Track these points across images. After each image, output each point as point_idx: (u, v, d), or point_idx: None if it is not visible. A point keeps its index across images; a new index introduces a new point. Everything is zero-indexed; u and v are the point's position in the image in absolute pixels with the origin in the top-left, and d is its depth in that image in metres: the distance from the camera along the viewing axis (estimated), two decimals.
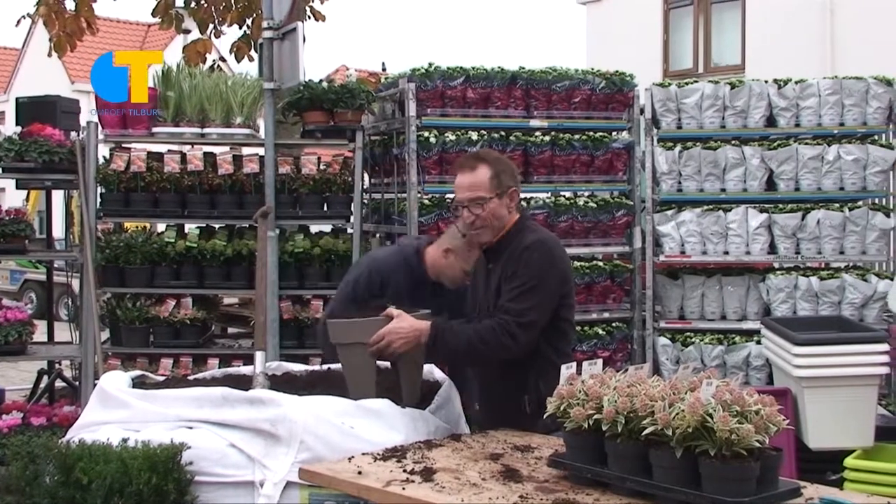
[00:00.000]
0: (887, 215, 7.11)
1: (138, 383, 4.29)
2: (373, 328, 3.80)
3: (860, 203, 7.22)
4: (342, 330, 3.93)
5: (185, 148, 7.20)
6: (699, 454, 2.73)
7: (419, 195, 6.95)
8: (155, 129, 7.00)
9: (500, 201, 3.96)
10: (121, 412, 3.80)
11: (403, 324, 3.79)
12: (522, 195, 7.28)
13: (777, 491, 2.79)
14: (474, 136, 7.06)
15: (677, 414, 2.75)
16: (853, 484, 4.39)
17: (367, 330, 3.82)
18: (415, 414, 3.77)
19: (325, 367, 4.63)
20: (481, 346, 3.79)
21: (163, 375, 5.56)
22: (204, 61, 10.14)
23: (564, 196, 7.44)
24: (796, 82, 7.29)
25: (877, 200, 7.35)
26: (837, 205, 7.17)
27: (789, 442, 4.70)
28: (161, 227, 7.52)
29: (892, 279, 6.82)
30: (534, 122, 7.31)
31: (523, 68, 7.33)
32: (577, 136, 7.36)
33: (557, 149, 7.20)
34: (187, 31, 11.43)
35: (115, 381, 4.06)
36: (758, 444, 2.70)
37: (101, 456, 3.44)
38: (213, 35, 10.70)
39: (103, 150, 7.12)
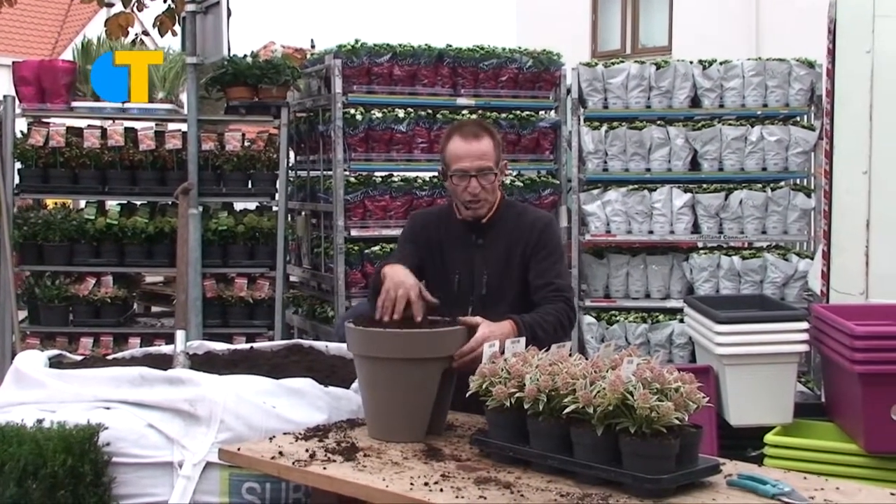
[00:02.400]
0: (808, 196, 7.21)
1: (55, 363, 4.20)
2: (452, 339, 3.37)
3: (782, 183, 7.31)
4: (403, 342, 3.30)
5: (106, 123, 7.06)
6: (620, 432, 2.74)
7: (345, 173, 6.90)
8: (74, 104, 6.85)
9: (497, 174, 3.84)
10: (36, 392, 3.72)
11: (496, 329, 3.45)
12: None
13: (697, 468, 2.81)
14: (401, 113, 7.02)
15: (598, 392, 2.76)
16: (773, 460, 4.45)
17: (446, 341, 3.36)
18: (338, 393, 3.74)
19: (248, 345, 4.58)
20: (561, 332, 3.69)
21: (82, 355, 5.47)
22: (126, 35, 9.93)
23: None
24: (721, 63, 7.35)
25: (798, 181, 7.45)
26: (760, 185, 7.26)
27: (711, 419, 4.74)
28: (81, 203, 7.37)
29: (812, 259, 6.92)
30: (461, 101, 7.28)
31: (450, 46, 7.30)
32: (504, 115, 7.35)
33: None
34: (110, 5, 11.16)
35: (31, 361, 3.98)
36: (677, 422, 2.72)
37: (14, 437, 3.37)
38: (135, 8, 10.48)
39: (21, 125, 6.93)
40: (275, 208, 7.04)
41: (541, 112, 7.59)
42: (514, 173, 7.56)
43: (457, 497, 2.70)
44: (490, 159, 3.80)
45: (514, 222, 3.87)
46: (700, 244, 7.51)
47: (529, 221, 3.87)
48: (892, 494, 2.82)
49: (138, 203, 7.11)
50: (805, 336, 4.71)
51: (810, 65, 7.28)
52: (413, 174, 7.26)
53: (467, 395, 3.18)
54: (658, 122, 7.33)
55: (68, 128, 6.86)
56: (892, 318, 4.62)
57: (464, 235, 3.89)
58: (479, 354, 3.30)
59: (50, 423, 3.44)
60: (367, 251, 6.93)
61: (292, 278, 7.99)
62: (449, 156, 3.87)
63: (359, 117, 6.87)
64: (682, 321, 6.65)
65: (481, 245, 3.84)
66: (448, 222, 3.96)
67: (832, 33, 5.55)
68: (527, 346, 3.35)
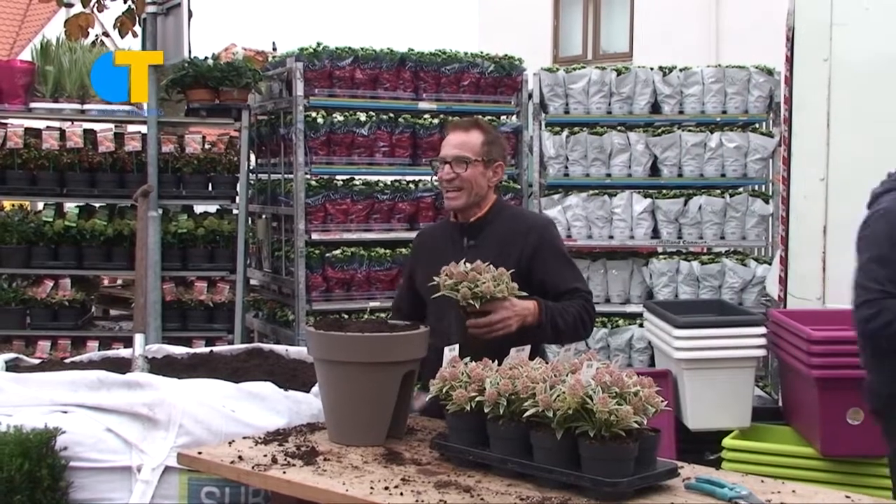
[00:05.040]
0: (766, 202, 7.28)
1: (12, 366, 4.16)
2: (412, 343, 3.36)
3: (741, 189, 7.39)
4: (363, 346, 3.26)
5: (65, 124, 7.00)
6: (579, 435, 2.75)
7: (306, 176, 6.88)
8: (32, 105, 6.77)
9: (483, 170, 3.81)
10: None
11: (516, 303, 3.51)
12: (410, 177, 7.33)
13: (655, 471, 2.83)
14: (363, 117, 7.01)
15: (558, 396, 2.77)
16: (731, 463, 4.49)
17: (406, 345, 3.35)
18: (298, 397, 3.72)
19: (208, 349, 4.55)
20: (581, 328, 3.70)
21: (39, 358, 5.40)
22: (86, 36, 9.83)
23: None
24: (681, 70, 7.41)
25: (757, 187, 7.53)
26: (719, 191, 7.32)
27: (669, 423, 4.78)
28: (39, 205, 7.29)
29: (770, 264, 6.99)
30: (423, 105, 7.28)
31: (412, 50, 7.31)
32: (451, 122, 7.35)
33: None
34: (69, 5, 11.05)
35: None
36: (636, 426, 2.73)
37: None
38: (95, 9, 10.40)
39: None
40: (235, 211, 7.00)
41: (502, 117, 7.62)
42: None
43: (417, 501, 2.70)
44: (469, 150, 3.81)
45: (507, 224, 3.86)
46: (660, 249, 7.56)
47: (526, 225, 3.87)
48: (848, 497, 2.85)
49: (97, 205, 7.04)
50: (763, 341, 4.77)
51: (769, 72, 7.36)
52: (374, 178, 7.25)
53: (427, 398, 3.18)
54: (619, 127, 7.38)
55: (26, 129, 6.79)
56: (848, 323, 4.65)
57: (457, 238, 3.90)
58: (504, 326, 3.42)
59: (6, 428, 3.40)
60: (327, 255, 6.91)
61: (252, 282, 7.95)
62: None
63: (320, 120, 6.86)
64: (641, 326, 6.70)
65: (473, 246, 3.82)
66: (445, 228, 4.01)
67: (790, 41, 5.61)
68: (540, 326, 3.49)
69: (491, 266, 3.47)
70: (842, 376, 4.18)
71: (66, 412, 3.55)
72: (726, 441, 4.63)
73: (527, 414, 2.83)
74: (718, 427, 4.79)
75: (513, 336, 3.49)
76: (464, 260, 3.49)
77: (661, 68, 7.43)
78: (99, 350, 5.99)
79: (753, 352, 4.82)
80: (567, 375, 2.88)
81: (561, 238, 3.98)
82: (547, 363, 3.06)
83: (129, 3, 10.17)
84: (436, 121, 7.22)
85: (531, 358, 3.18)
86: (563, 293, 3.75)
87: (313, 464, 3.05)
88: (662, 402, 2.85)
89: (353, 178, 7.15)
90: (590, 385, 2.76)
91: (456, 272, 3.42)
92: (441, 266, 3.64)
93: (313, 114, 6.87)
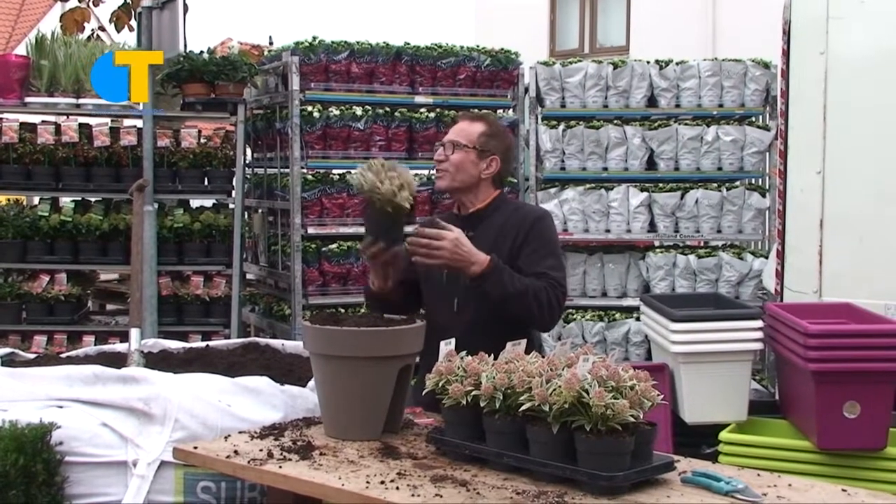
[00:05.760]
0: (763, 195, 7.28)
1: (7, 361, 4.16)
2: (409, 337, 3.35)
3: (737, 183, 7.38)
4: (359, 341, 3.26)
5: (60, 119, 6.98)
6: (575, 429, 2.74)
7: (302, 170, 6.88)
8: (28, 99, 6.75)
9: (475, 159, 3.88)
10: None
11: (466, 243, 3.60)
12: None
13: (651, 465, 2.83)
14: (358, 111, 7.00)
15: (554, 390, 2.77)
16: (727, 457, 4.48)
17: (403, 339, 3.33)
18: (294, 391, 3.72)
19: (204, 344, 4.55)
20: (533, 301, 3.65)
21: (35, 353, 5.40)
22: (82, 30, 9.84)
23: None
24: (677, 63, 7.41)
25: (753, 181, 7.53)
26: (715, 184, 7.32)
27: (666, 416, 4.77)
28: (35, 200, 7.29)
29: (767, 257, 6.98)
30: (419, 99, 7.28)
31: (408, 44, 7.30)
32: (462, 113, 7.36)
33: (442, 125, 7.16)
34: (65, 0, 11.08)
35: None
36: (632, 419, 2.73)
37: None
38: (91, 3, 10.39)
39: None
40: (231, 206, 6.99)
41: (499, 111, 7.61)
42: None
43: (413, 495, 2.70)
44: (465, 137, 3.90)
45: (505, 217, 3.91)
46: (656, 243, 7.56)
47: (521, 216, 3.91)
48: (844, 491, 2.85)
49: (93, 200, 7.04)
50: (759, 334, 4.75)
51: (766, 66, 7.35)
52: None
53: (423, 393, 3.18)
54: (615, 121, 7.38)
55: (21, 123, 6.77)
56: (845, 316, 4.67)
57: (458, 229, 3.90)
58: (436, 247, 3.55)
59: (2, 422, 3.39)
60: (324, 249, 6.91)
61: (249, 276, 7.94)
62: None
63: (316, 115, 6.85)
64: (638, 319, 6.69)
65: (472, 237, 3.83)
66: (450, 219, 4.00)
67: (787, 35, 5.60)
68: (486, 277, 3.55)
69: (408, 172, 3.64)
70: (838, 370, 4.18)
71: (61, 407, 3.55)
72: (723, 434, 4.62)
73: (523, 408, 2.82)
74: (715, 420, 4.77)
75: (496, 328, 3.58)
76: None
77: (657, 62, 7.43)
78: (95, 345, 5.97)
79: (750, 345, 4.80)
80: (563, 369, 2.87)
81: (554, 230, 3.98)
82: (543, 357, 3.06)
83: None
84: (432, 115, 7.22)
85: (527, 352, 3.18)
86: (532, 275, 3.73)
87: (309, 458, 3.05)
88: (659, 395, 2.85)
89: (350, 173, 7.12)
90: (586, 379, 2.76)
91: (375, 166, 3.55)
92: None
93: (309, 108, 6.86)
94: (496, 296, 3.65)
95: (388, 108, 7.17)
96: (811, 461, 4.37)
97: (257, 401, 3.61)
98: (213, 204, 7.21)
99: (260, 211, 7.74)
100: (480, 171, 3.91)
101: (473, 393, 2.96)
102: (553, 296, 3.71)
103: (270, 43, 16.10)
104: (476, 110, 6.31)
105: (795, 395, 4.61)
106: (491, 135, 3.94)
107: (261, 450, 3.13)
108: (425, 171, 7.26)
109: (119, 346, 4.60)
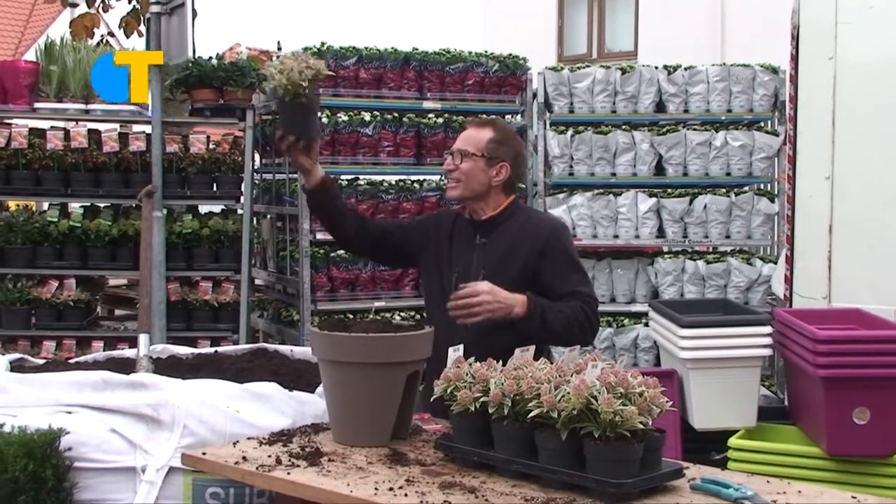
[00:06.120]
0: (772, 200, 7.27)
1: (17, 367, 4.15)
2: (417, 343, 3.32)
3: (746, 188, 7.38)
4: (368, 346, 3.23)
5: (69, 124, 7.00)
6: (584, 436, 2.74)
7: None
8: (37, 105, 6.79)
9: (484, 167, 3.90)
10: None
11: (500, 290, 3.63)
12: (415, 176, 7.32)
13: (660, 472, 2.82)
14: (367, 116, 7.01)
15: (563, 396, 2.76)
16: (736, 463, 4.48)
17: (411, 345, 3.30)
18: (303, 397, 3.72)
19: (212, 349, 4.54)
20: (577, 330, 3.70)
21: (44, 358, 5.41)
22: (92, 36, 9.86)
23: None
24: (685, 69, 7.40)
25: (762, 186, 7.52)
26: (724, 190, 7.32)
27: (675, 423, 4.77)
28: (44, 205, 7.31)
29: (775, 263, 6.97)
30: (427, 104, 7.28)
31: (416, 49, 7.30)
32: (470, 119, 7.35)
33: (451, 131, 7.17)
34: (74, 5, 11.09)
35: None
36: (641, 426, 2.72)
37: None
38: (100, 9, 10.41)
39: None
40: (240, 211, 7.01)
41: (507, 116, 7.60)
42: None
43: (421, 502, 2.69)
44: (472, 145, 3.92)
45: (519, 225, 3.91)
46: (665, 248, 7.55)
47: (537, 227, 3.91)
48: (854, 497, 2.84)
49: (102, 205, 7.06)
50: (768, 340, 4.75)
51: (774, 70, 7.35)
52: (379, 177, 7.25)
53: (432, 399, 3.18)
54: (623, 126, 7.37)
55: (31, 129, 6.82)
56: (854, 322, 4.66)
57: (469, 234, 3.98)
58: (477, 303, 3.57)
59: (11, 428, 3.39)
60: (332, 254, 6.91)
61: (257, 282, 7.95)
62: None
63: (325, 120, 6.86)
64: (646, 325, 6.69)
65: (483, 244, 3.90)
66: (460, 221, 4.05)
67: (795, 40, 5.60)
68: (528, 320, 3.55)
69: (311, 59, 3.81)
70: (848, 375, 4.17)
71: (70, 413, 3.55)
72: (732, 441, 4.61)
73: (531, 415, 2.82)
74: (724, 427, 4.77)
75: (501, 330, 3.63)
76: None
77: (665, 67, 7.42)
78: (104, 350, 6.00)
79: (759, 351, 4.80)
80: (572, 376, 2.86)
81: (572, 242, 4.00)
82: (552, 363, 3.06)
83: (134, 3, 10.20)
84: (440, 120, 7.22)
85: (536, 358, 3.18)
86: (563, 295, 3.76)
87: (318, 465, 3.05)
88: (667, 402, 2.84)
89: (358, 178, 7.14)
90: (594, 385, 2.75)
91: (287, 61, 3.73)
92: (449, 256, 3.91)
93: (318, 113, 6.86)
94: (541, 334, 3.69)
95: (396, 114, 7.18)
96: (821, 468, 4.36)
97: (266, 407, 3.61)
98: (222, 209, 7.22)
99: (268, 216, 7.74)
100: (490, 178, 3.91)
101: (482, 399, 2.96)
102: (590, 313, 3.77)
103: (279, 48, 16.12)
104: (484, 116, 6.29)
105: (805, 401, 4.60)
106: (499, 141, 3.94)
107: (269, 456, 3.13)
108: (435, 177, 7.26)
109: (128, 352, 4.59)
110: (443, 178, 7.28)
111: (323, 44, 7.01)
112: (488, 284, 3.63)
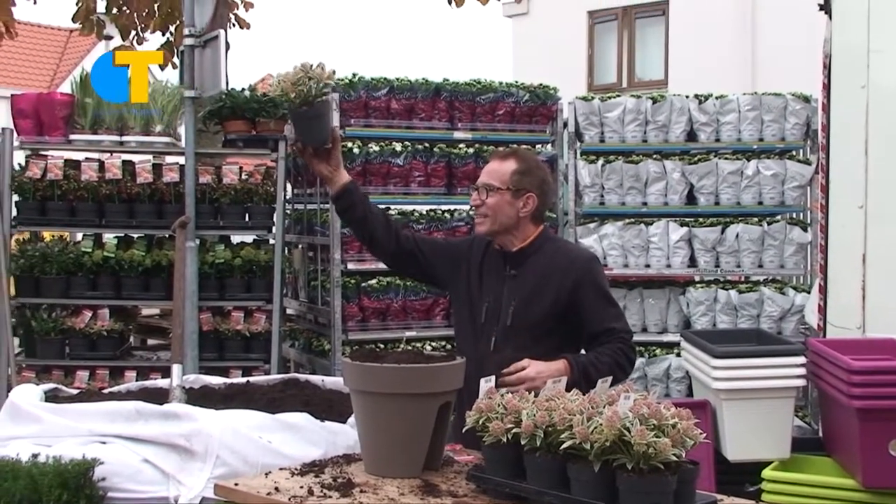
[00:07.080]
0: (804, 230, 7.23)
1: (51, 397, 4.18)
2: (449, 373, 3.31)
3: (778, 217, 7.33)
4: (400, 377, 3.23)
5: (104, 156, 7.08)
6: (617, 468, 2.72)
7: None
8: (72, 136, 6.85)
9: (511, 199, 3.87)
10: (31, 427, 3.69)
11: (542, 365, 3.63)
12: (445, 206, 7.33)
13: None
14: (398, 147, 7.04)
15: (595, 428, 2.75)
16: (770, 495, 4.44)
17: (443, 376, 3.29)
18: (334, 428, 3.72)
19: (244, 379, 4.55)
20: (619, 372, 3.72)
21: (78, 388, 5.45)
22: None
23: None
24: (717, 98, 7.39)
25: (794, 215, 7.47)
26: (756, 219, 7.28)
27: (708, 454, 4.73)
28: (78, 236, 7.37)
29: (809, 292, 6.93)
30: (458, 134, 7.31)
31: (447, 80, 7.34)
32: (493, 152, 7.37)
33: (481, 161, 7.18)
34: (109, 38, 11.27)
35: (27, 395, 3.94)
36: (675, 458, 2.70)
37: (9, 472, 3.34)
38: (135, 42, 10.55)
39: (19, 157, 6.95)
40: (272, 241, 7.04)
41: (537, 146, 7.62)
42: None
43: None
44: (497, 178, 3.89)
45: (550, 257, 3.89)
46: (697, 278, 7.51)
47: (569, 259, 3.90)
48: None
49: (135, 236, 7.12)
50: (802, 371, 4.71)
51: (806, 99, 7.32)
52: (410, 207, 7.28)
53: (464, 430, 3.17)
54: (654, 155, 7.36)
55: (66, 160, 6.88)
56: (889, 352, 4.62)
57: (500, 266, 3.96)
58: (532, 385, 3.46)
59: (45, 458, 3.41)
60: (363, 284, 6.92)
61: (289, 311, 7.98)
62: None
63: (356, 151, 6.89)
64: (678, 355, 6.64)
65: (513, 276, 3.89)
66: (490, 251, 4.03)
67: (827, 68, 5.58)
68: (581, 387, 3.39)
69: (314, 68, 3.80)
70: (883, 406, 4.13)
71: (104, 443, 3.56)
72: (766, 472, 4.57)
73: (564, 446, 2.80)
74: (758, 458, 4.73)
75: (499, 327, 3.81)
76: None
77: (696, 96, 7.41)
78: (137, 380, 6.03)
79: (793, 381, 4.76)
80: (604, 407, 2.85)
81: (604, 275, 3.99)
82: (584, 394, 3.04)
83: (168, 36, 10.32)
84: (471, 150, 7.24)
85: (567, 390, 3.17)
86: (599, 333, 3.76)
87: (350, 496, 3.04)
88: (701, 434, 2.82)
89: (389, 208, 7.16)
90: (627, 417, 2.74)
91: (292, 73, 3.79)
92: (479, 287, 3.91)
93: (349, 144, 6.90)
94: (585, 390, 3.67)
95: (427, 144, 7.21)
96: (856, 500, 4.32)
97: (297, 437, 3.61)
98: (254, 240, 7.26)
99: (300, 246, 7.78)
100: (518, 210, 3.90)
101: (514, 430, 2.95)
102: (629, 351, 3.79)
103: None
104: (508, 146, 6.30)
105: (839, 432, 4.56)
106: (523, 171, 3.91)
107: (301, 486, 3.13)
108: (465, 207, 7.27)
109: (161, 382, 4.61)
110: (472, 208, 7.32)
111: (354, 74, 7.06)
112: (531, 366, 3.62)
